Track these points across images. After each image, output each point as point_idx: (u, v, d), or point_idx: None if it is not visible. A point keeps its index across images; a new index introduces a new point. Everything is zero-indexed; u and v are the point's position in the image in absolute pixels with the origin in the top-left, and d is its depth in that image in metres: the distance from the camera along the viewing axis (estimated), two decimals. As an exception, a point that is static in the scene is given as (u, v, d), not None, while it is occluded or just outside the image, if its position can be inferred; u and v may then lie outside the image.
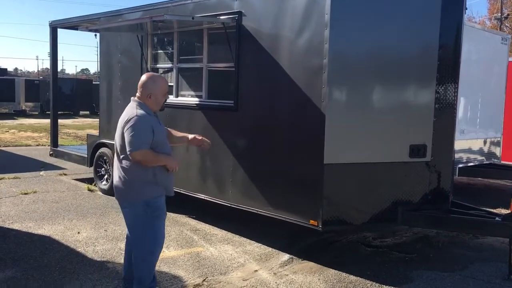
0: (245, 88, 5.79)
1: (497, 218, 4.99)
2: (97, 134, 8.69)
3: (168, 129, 4.08)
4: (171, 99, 6.90)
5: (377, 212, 5.16)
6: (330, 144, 4.92)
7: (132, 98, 3.78)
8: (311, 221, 5.08)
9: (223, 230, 6.35)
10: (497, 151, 9.96)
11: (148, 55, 7.27)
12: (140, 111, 3.60)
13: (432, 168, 5.30)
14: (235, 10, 5.80)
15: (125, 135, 3.55)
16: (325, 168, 4.93)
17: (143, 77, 3.75)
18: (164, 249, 5.48)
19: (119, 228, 6.33)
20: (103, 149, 8.28)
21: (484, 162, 9.54)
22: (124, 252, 4.10)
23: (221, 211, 6.54)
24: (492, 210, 6.39)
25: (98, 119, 8.86)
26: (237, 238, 6.09)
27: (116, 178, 3.74)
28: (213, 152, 6.20)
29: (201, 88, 6.45)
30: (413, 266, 5.26)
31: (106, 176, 8.28)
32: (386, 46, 5.09)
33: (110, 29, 7.41)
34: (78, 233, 6.08)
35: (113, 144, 7.32)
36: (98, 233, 6.11)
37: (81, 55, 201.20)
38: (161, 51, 7.25)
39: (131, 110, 3.64)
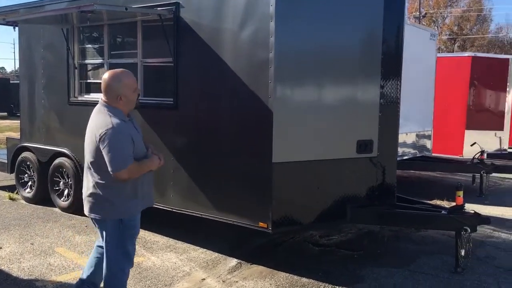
0: (186, 85, 5.44)
1: (443, 212, 5.03)
2: (18, 137, 7.92)
3: None
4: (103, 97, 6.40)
5: (327, 210, 5.03)
6: (279, 142, 4.70)
7: (100, 100, 3.37)
8: (261, 224, 4.84)
9: (164, 237, 5.96)
10: (428, 144, 10.29)
11: (75, 50, 6.69)
12: (115, 120, 3.22)
13: (378, 163, 5.24)
14: (172, 1, 5.42)
15: (104, 152, 3.19)
16: (273, 167, 4.71)
17: (105, 78, 3.35)
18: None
19: (47, 240, 5.75)
20: (25, 154, 7.55)
21: (417, 155, 9.81)
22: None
23: (161, 216, 6.14)
24: (431, 202, 6.52)
25: (18, 121, 8.08)
26: (180, 244, 5.73)
27: (86, 192, 3.40)
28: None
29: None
30: (362, 263, 5.18)
31: (30, 183, 7.56)
32: (333, 40, 4.95)
33: (31, 21, 6.73)
34: (0, 248, 5.44)
35: (38, 148, 6.70)
36: (23, 247, 5.50)
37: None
38: (90, 45, 6.69)
39: (104, 118, 3.24)
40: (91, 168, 3.34)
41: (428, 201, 6.55)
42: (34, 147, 7.37)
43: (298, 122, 4.83)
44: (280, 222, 4.81)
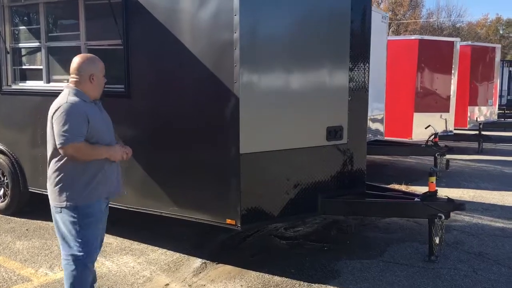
0: (139, 70, 4.89)
1: (416, 199, 4.85)
2: None
3: None
4: (40, 85, 5.73)
5: (297, 202, 4.71)
6: (246, 130, 4.31)
7: (65, 85, 3.34)
8: (228, 220, 4.45)
9: (118, 238, 5.43)
10: (381, 128, 10.26)
11: (6, 32, 5.92)
12: (72, 98, 3.19)
13: (348, 150, 4.99)
14: (120, -24, 4.85)
15: (54, 126, 3.12)
16: (241, 158, 4.32)
17: (77, 60, 3.33)
18: (46, 270, 4.48)
19: (-17, 248, 5.07)
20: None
21: (371, 140, 9.75)
22: None
23: (113, 215, 5.58)
24: (400, 188, 6.38)
25: None
26: (136, 245, 5.23)
27: (47, 182, 3.31)
28: (100, 147, 5.22)
29: (80, 71, 5.37)
30: (334, 256, 4.94)
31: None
32: (301, 20, 4.59)
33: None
34: None
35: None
36: (-46, 258, 4.80)
37: None
38: (24, 27, 5.96)
39: (61, 98, 3.22)
40: (50, 155, 3.25)
41: (396, 187, 6.42)
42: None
43: (266, 109, 4.45)
44: (249, 218, 4.44)
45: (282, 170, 4.59)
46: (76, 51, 5.33)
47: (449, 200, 4.74)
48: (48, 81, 5.69)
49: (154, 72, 4.82)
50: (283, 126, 4.56)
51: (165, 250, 5.10)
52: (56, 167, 3.20)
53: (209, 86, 4.46)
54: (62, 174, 3.20)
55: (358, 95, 4.98)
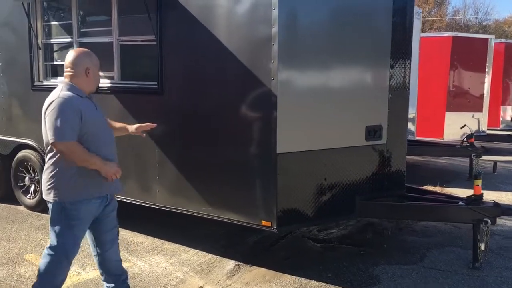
0: (172, 67, 4.78)
1: (460, 203, 4.62)
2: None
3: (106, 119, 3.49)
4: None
5: (335, 204, 4.53)
6: (283, 129, 4.14)
7: (59, 80, 3.25)
8: (263, 222, 4.30)
9: (148, 237, 5.34)
10: (412, 127, 9.98)
11: (38, 27, 5.88)
12: (66, 93, 3.08)
13: (388, 151, 4.79)
14: (154, -30, 4.74)
15: (46, 121, 3.03)
16: (278, 158, 4.16)
17: (73, 53, 3.23)
18: (78, 269, 4.40)
19: (14, 246, 5.03)
20: (-17, 146, 6.70)
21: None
22: None
23: (141, 212, 5.51)
24: (443, 191, 6.13)
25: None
26: (167, 245, 5.12)
27: (43, 176, 3.24)
28: (133, 145, 5.13)
29: (112, 67, 5.29)
30: (372, 261, 4.74)
31: (-10, 179, 6.73)
32: (340, 14, 4.41)
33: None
34: (-41, 258, 4.71)
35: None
36: (-14, 255, 4.77)
37: None
38: (56, 22, 5.90)
39: (55, 92, 3.11)
40: (46, 150, 3.17)
41: (431, 189, 6.18)
42: (-8, 138, 6.54)
43: (303, 108, 4.29)
44: (286, 220, 4.28)
45: (319, 170, 4.42)
46: (109, 47, 5.27)
47: (496, 205, 4.50)
48: (80, 77, 5.61)
49: (188, 68, 4.70)
50: (321, 125, 4.39)
51: (196, 250, 4.98)
52: (50, 162, 3.12)
53: (246, 83, 4.31)
54: (54, 171, 3.11)
55: (399, 94, 4.78)
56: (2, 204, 6.51)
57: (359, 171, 4.65)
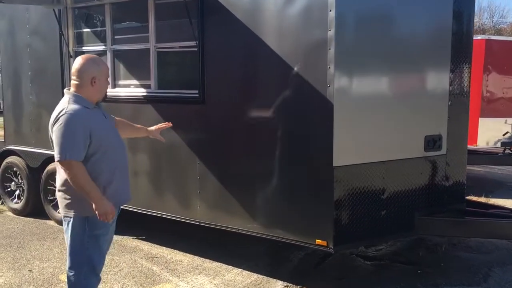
0: (215, 74, 4.49)
1: (531, 219, 4.24)
2: (1, 139, 6.84)
3: (120, 119, 3.43)
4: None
5: (393, 221, 4.20)
6: (340, 141, 3.83)
7: (65, 90, 3.05)
8: (318, 241, 3.97)
9: (187, 254, 5.04)
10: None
11: (69, 35, 5.65)
12: (73, 106, 2.89)
13: (447, 162, 4.44)
14: (196, -28, 4.47)
15: (53, 137, 2.88)
16: (335, 172, 3.83)
17: (79, 61, 3.02)
18: None
19: (48, 265, 4.75)
20: (11, 159, 6.48)
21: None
22: None
23: (176, 227, 5.22)
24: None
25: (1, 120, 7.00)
26: (208, 263, 4.81)
27: (56, 189, 3.09)
28: (171, 157, 4.86)
29: (149, 76, 5.02)
30: (432, 281, 4.37)
31: (17, 193, 6.51)
32: (399, 15, 4.09)
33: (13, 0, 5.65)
34: (-9, 278, 4.45)
35: (26, 151, 5.79)
36: (20, 276, 4.49)
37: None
38: (88, 29, 5.66)
39: (61, 105, 2.94)
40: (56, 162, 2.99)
41: (474, 199, 5.78)
42: (22, 150, 6.32)
43: (361, 117, 3.97)
44: (343, 238, 3.95)
45: (377, 184, 4.08)
46: (145, 54, 5.01)
47: None
48: (114, 86, 5.37)
49: (233, 75, 4.41)
50: (379, 135, 4.07)
51: (240, 269, 4.66)
52: (65, 176, 2.92)
53: (298, 91, 4.01)
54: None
55: (459, 100, 4.43)
56: (31, 218, 6.27)
57: (418, 184, 4.31)
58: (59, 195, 3.04)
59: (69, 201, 2.97)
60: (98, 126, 2.95)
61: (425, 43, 4.20)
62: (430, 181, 4.37)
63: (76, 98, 2.93)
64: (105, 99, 3.30)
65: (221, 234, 4.84)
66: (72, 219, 2.98)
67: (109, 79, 5.16)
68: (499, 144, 9.43)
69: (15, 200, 6.53)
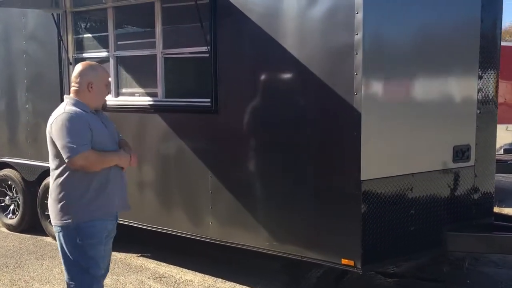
0: (228, 81, 4.21)
1: None
2: (-5, 150, 6.49)
3: (124, 141, 3.25)
4: (109, 99, 5.09)
5: (421, 237, 3.93)
6: (368, 152, 3.56)
7: (65, 96, 3.08)
8: (344, 261, 3.69)
9: (197, 273, 4.72)
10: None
11: (69, 40, 5.34)
12: (71, 108, 2.88)
13: (476, 174, 4.19)
14: (208, -27, 4.20)
15: (56, 140, 2.82)
16: (362, 186, 3.57)
17: (78, 67, 3.03)
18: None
19: (48, 287, 4.41)
20: (5, 171, 6.13)
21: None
22: None
23: (182, 243, 4.91)
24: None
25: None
26: (221, 283, 4.50)
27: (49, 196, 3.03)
28: (181, 170, 4.56)
29: (155, 83, 4.73)
30: (461, 300, 4.12)
31: (12, 208, 6.15)
32: (427, 20, 3.84)
33: (9, 3, 5.31)
34: (-13, 304, 4.11)
35: (22, 164, 5.44)
36: (19, 300, 4.16)
37: None
38: (89, 34, 5.36)
39: (59, 108, 2.92)
40: (52, 170, 2.96)
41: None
42: (17, 163, 5.97)
43: (389, 126, 3.72)
44: (371, 257, 3.68)
45: (406, 199, 3.82)
46: (151, 60, 4.73)
47: None
48: (117, 94, 5.06)
49: (248, 83, 4.12)
50: (407, 146, 3.81)
51: (256, 289, 4.36)
52: (58, 182, 2.90)
53: (321, 99, 3.75)
54: (64, 191, 2.89)
55: (487, 108, 4.21)
56: (27, 235, 5.92)
57: (446, 197, 4.05)
58: (50, 203, 2.96)
59: (61, 208, 2.87)
60: (95, 127, 2.91)
61: (453, 49, 3.96)
62: (458, 193, 4.11)
63: (74, 102, 2.91)
64: (105, 107, 3.14)
65: (232, 251, 4.54)
66: (62, 229, 2.89)
67: (111, 87, 4.98)
68: (501, 151, 9.25)
69: (9, 216, 6.18)
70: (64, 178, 2.87)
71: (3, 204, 6.24)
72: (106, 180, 2.94)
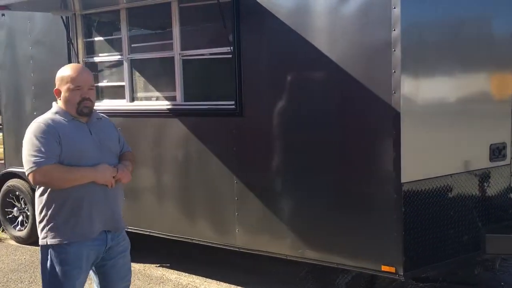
0: (253, 83, 4.04)
1: None
2: (1, 160, 6.25)
3: (130, 154, 2.93)
4: (122, 104, 4.91)
5: (462, 240, 3.79)
6: (408, 153, 3.40)
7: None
8: (385, 267, 3.52)
9: (222, 283, 4.54)
10: None
11: (78, 44, 5.13)
12: (46, 116, 2.64)
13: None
14: (231, -30, 4.02)
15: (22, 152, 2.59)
16: (403, 188, 3.41)
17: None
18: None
19: (69, 303, 4.19)
20: (13, 182, 5.91)
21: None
22: None
23: (201, 251, 4.73)
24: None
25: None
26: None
27: None
28: (204, 176, 4.38)
29: (173, 87, 4.54)
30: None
31: (21, 219, 5.92)
32: (465, 15, 3.71)
33: (17, 6, 5.08)
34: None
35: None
36: (39, 318, 3.94)
37: None
38: (100, 37, 5.15)
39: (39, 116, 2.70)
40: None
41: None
42: (23, 172, 5.73)
43: (428, 125, 3.57)
44: (413, 263, 3.52)
45: (445, 200, 3.67)
46: (168, 63, 4.54)
47: None
48: (132, 99, 4.87)
49: (275, 83, 3.95)
50: (446, 145, 3.66)
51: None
52: (37, 197, 2.65)
53: (355, 99, 3.59)
54: (40, 208, 2.62)
55: (522, 104, 4.07)
56: (37, 247, 5.61)
57: (483, 198, 3.91)
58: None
59: (39, 228, 2.62)
60: (70, 140, 2.59)
61: (489, 45, 3.83)
62: (495, 193, 3.97)
63: (56, 110, 2.67)
64: (85, 113, 2.63)
65: (253, 258, 4.37)
66: (40, 248, 2.64)
67: (126, 91, 4.79)
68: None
69: (18, 228, 5.94)
70: (40, 194, 2.61)
71: (11, 215, 6.01)
72: (81, 198, 2.59)
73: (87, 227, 2.61)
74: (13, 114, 5.94)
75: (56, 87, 2.68)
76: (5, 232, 6.11)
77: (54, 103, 2.72)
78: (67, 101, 2.64)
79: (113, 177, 2.66)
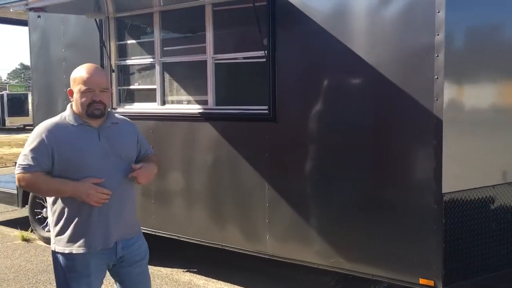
0: (288, 87, 3.96)
1: None
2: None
3: (153, 157, 2.82)
4: (153, 108, 4.89)
5: (503, 252, 3.65)
6: (450, 163, 3.28)
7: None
8: (423, 280, 3.39)
9: (252, 291, 4.47)
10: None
11: (111, 47, 5.14)
12: (55, 120, 2.59)
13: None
14: (266, -27, 3.97)
15: None
16: (444, 199, 3.28)
17: None
18: None
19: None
20: (43, 182, 5.94)
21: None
22: None
23: (226, 256, 4.66)
24: None
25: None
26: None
27: None
28: (235, 181, 4.32)
29: (205, 91, 4.50)
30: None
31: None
32: (510, 18, 3.58)
33: (52, 9, 5.11)
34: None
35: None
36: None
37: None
38: (133, 40, 5.16)
39: None
40: None
41: None
42: (55, 173, 5.77)
43: (471, 133, 3.45)
44: (452, 276, 3.39)
45: (487, 212, 3.54)
46: (200, 66, 4.51)
47: None
48: (163, 102, 4.85)
49: (310, 88, 3.87)
50: (488, 155, 3.53)
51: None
52: (50, 207, 2.62)
53: (395, 105, 3.49)
54: (53, 217, 2.59)
55: None
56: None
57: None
58: None
59: (52, 234, 2.62)
60: (67, 147, 2.50)
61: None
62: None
63: (67, 112, 2.60)
64: (96, 115, 2.53)
65: (280, 265, 4.28)
66: (52, 253, 2.64)
67: (157, 94, 4.77)
68: None
69: (46, 228, 5.97)
70: (53, 202, 2.59)
71: (39, 216, 6.05)
72: (91, 210, 2.52)
73: (95, 240, 2.55)
74: (44, 114, 5.96)
75: (70, 87, 2.62)
76: (34, 233, 6.15)
77: (68, 105, 2.66)
78: (77, 103, 2.56)
79: (129, 175, 2.58)
